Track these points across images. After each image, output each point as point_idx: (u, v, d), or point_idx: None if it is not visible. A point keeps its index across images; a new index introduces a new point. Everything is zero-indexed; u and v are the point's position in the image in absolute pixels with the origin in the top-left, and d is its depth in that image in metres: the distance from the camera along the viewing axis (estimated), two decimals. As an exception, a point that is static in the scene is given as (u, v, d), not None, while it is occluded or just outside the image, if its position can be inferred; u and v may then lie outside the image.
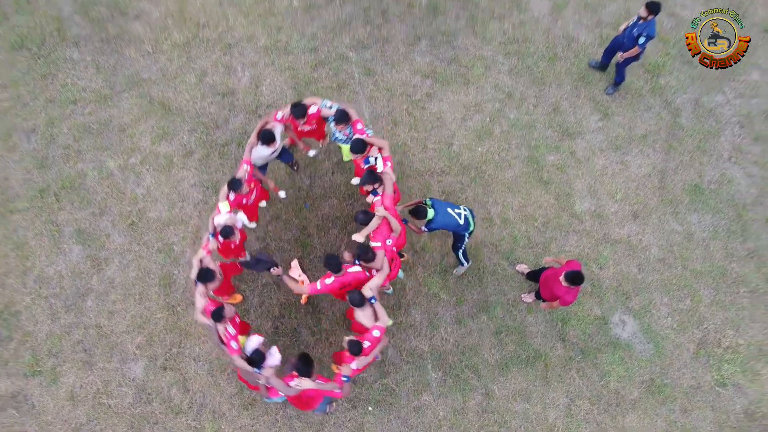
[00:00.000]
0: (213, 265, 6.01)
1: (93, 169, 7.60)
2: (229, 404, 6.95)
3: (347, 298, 5.89)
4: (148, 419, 6.86)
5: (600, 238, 7.65)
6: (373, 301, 5.88)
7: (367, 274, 6.04)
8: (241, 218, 6.57)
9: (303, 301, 7.24)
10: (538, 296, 7.03)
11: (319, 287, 5.98)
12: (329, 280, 5.98)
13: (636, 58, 7.88)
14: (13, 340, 7.01)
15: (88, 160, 7.63)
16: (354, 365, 5.74)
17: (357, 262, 6.09)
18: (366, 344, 5.77)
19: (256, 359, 5.70)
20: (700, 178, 7.94)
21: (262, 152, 6.41)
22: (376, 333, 5.80)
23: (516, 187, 7.80)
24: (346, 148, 6.93)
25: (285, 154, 7.11)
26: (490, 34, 8.33)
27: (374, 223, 6.12)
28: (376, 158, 6.38)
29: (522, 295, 7.40)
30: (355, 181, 7.45)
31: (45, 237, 7.36)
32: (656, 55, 8.39)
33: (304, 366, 5.65)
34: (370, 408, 7.02)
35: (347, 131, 6.51)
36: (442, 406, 7.07)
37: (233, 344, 5.81)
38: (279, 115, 6.39)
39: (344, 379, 5.73)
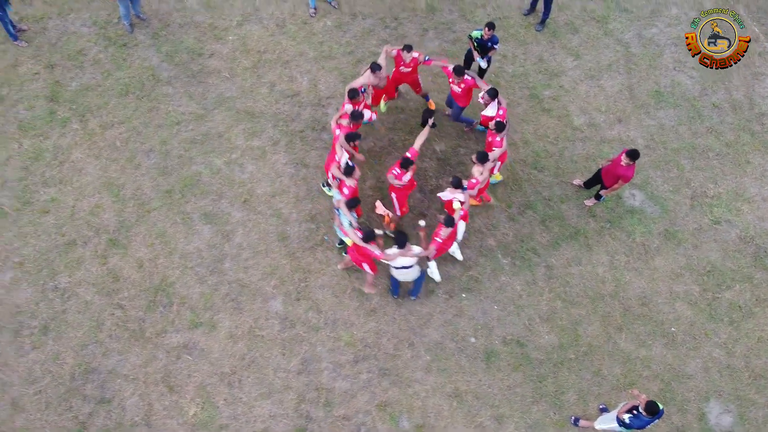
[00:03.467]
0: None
1: (205, 168, 9.50)
2: (355, 315, 8.66)
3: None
4: (295, 339, 8.47)
5: (598, 140, 9.90)
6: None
7: None
8: None
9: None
10: (597, 197, 9.04)
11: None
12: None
13: None
14: (174, 304, 8.59)
15: (199, 162, 9.56)
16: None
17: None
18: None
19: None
20: (658, 86, 10.37)
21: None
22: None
23: (527, 117, 10.05)
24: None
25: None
26: (477, 18, 10.78)
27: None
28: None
29: (573, 180, 9.51)
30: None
31: (179, 224, 9.13)
32: (601, 10, 11.12)
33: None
34: (463, 295, 8.81)
35: None
36: (517, 282, 8.95)
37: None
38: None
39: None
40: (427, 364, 8.37)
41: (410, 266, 7.79)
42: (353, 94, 8.27)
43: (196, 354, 8.33)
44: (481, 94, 8.51)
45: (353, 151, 8.26)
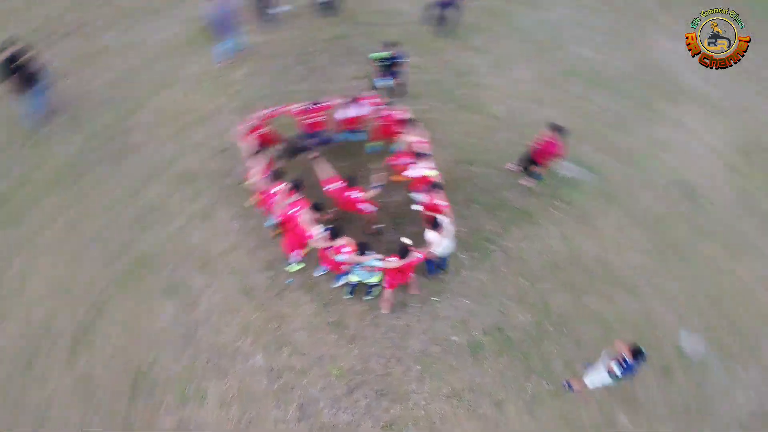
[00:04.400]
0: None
1: (153, 243, 9.11)
2: (337, 347, 8.61)
3: None
4: (286, 388, 8.32)
5: (520, 124, 10.27)
6: None
7: None
8: None
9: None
10: (532, 175, 9.52)
11: None
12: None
13: None
14: (158, 386, 8.43)
15: (146, 239, 9.17)
16: None
17: None
18: None
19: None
20: (565, 64, 11.16)
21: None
22: None
23: (450, 119, 10.35)
24: None
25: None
26: (388, 38, 11.30)
27: None
28: None
29: (506, 165, 9.97)
30: None
31: (141, 306, 8.87)
32: (501, 5, 11.82)
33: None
34: (434, 299, 8.98)
35: None
36: (480, 273, 9.15)
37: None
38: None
39: None
40: (419, 373, 8.49)
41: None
42: (278, 175, 8.32)
43: (193, 430, 8.11)
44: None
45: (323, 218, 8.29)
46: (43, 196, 9.59)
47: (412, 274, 8.29)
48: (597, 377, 7.70)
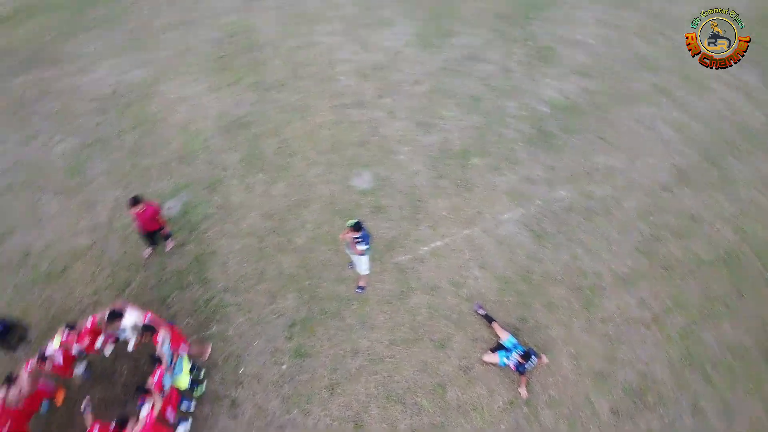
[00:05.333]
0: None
1: None
2: None
3: None
4: None
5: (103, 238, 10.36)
6: None
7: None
8: None
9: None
10: (164, 237, 9.58)
11: None
12: None
13: None
14: None
15: None
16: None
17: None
18: None
19: None
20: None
21: None
22: None
23: (44, 296, 9.75)
24: None
25: None
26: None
27: None
28: None
29: (144, 254, 9.81)
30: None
31: None
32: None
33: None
34: (240, 370, 9.08)
35: None
36: (239, 317, 9.32)
37: None
38: None
39: None
40: (300, 413, 8.46)
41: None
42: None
43: None
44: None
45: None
46: None
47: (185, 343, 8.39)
48: (361, 264, 9.14)
